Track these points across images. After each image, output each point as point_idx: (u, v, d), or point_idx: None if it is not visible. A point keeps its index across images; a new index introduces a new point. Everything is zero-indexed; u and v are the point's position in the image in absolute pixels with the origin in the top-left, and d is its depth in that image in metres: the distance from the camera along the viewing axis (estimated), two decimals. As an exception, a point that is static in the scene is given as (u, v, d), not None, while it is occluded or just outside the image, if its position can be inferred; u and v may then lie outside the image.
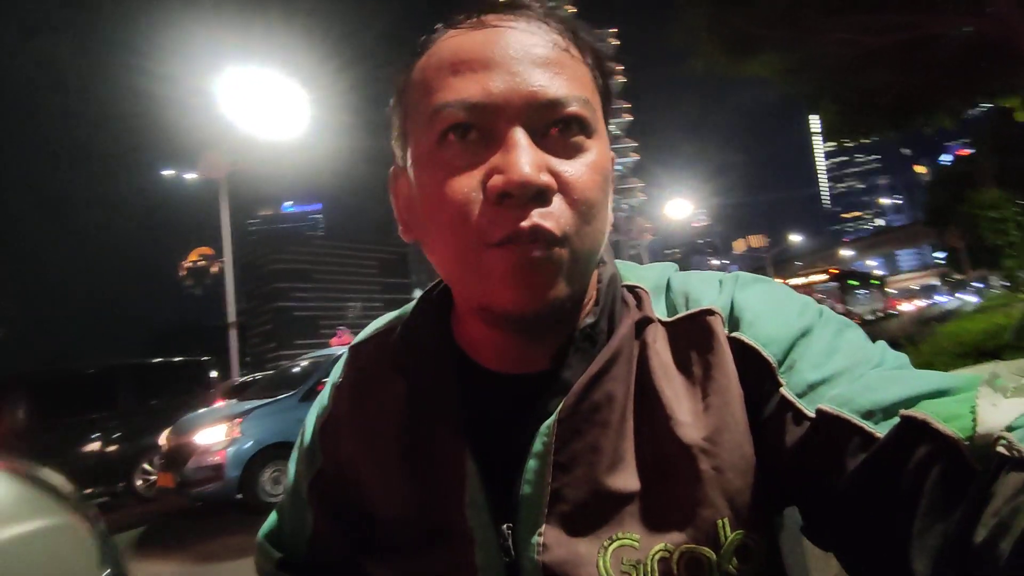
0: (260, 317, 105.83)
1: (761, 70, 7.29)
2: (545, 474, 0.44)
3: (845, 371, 0.42)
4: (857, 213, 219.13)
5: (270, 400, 6.04)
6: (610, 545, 0.43)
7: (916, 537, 0.33)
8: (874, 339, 0.48)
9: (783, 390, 0.43)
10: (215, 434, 5.66)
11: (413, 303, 0.57)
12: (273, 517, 0.62)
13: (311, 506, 0.57)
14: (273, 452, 5.72)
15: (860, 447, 0.38)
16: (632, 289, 0.52)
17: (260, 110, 12.85)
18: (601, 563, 0.43)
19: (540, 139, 0.42)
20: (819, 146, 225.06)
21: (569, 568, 0.43)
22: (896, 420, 0.37)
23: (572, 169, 0.43)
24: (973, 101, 7.52)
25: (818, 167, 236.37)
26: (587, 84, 0.45)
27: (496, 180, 0.41)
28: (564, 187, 0.42)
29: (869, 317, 18.35)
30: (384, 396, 0.53)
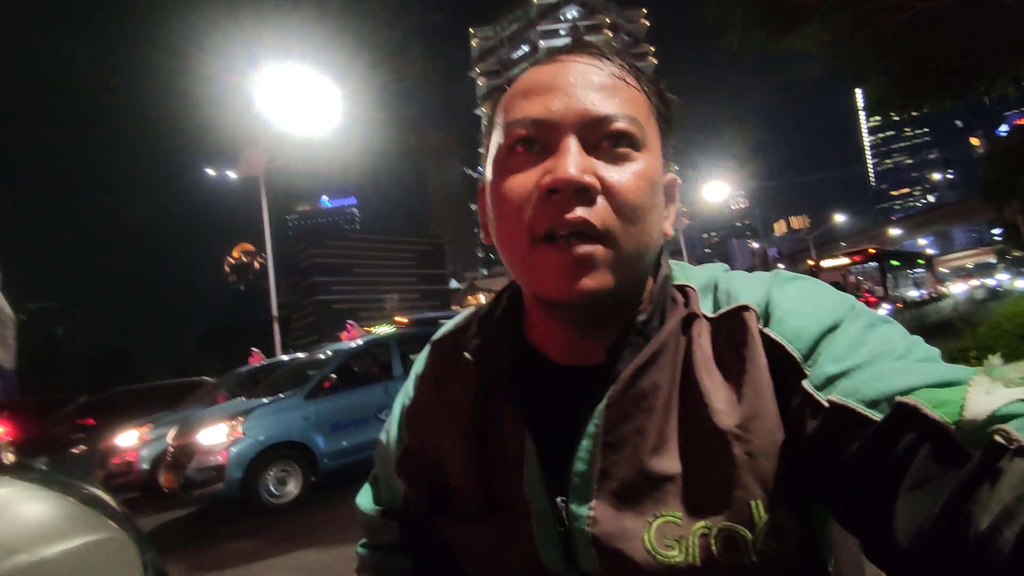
0: (302, 310, 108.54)
1: (802, 43, 6.91)
2: (596, 453, 0.49)
3: (865, 364, 0.44)
4: (906, 190, 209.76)
5: (274, 398, 5.86)
6: (654, 521, 0.47)
7: (900, 509, 0.36)
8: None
9: (805, 383, 0.45)
10: (216, 434, 5.46)
11: (490, 299, 0.63)
12: (368, 486, 0.73)
13: (400, 478, 0.66)
14: (277, 452, 5.53)
15: (862, 433, 0.40)
16: (682, 288, 0.56)
17: (295, 107, 13.08)
18: (646, 537, 0.47)
19: (592, 150, 0.49)
20: (865, 122, 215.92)
21: (616, 540, 0.47)
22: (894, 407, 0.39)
23: (617, 175, 0.48)
24: (1038, 65, 7.00)
25: (865, 143, 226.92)
26: (639, 107, 0.51)
27: (546, 178, 0.47)
28: (608, 190, 0.48)
29: (916, 299, 17.25)
30: (460, 382, 0.60)
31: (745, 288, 0.53)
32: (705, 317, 0.53)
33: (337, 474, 5.90)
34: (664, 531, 0.46)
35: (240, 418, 5.54)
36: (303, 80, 12.94)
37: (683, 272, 0.58)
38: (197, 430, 5.62)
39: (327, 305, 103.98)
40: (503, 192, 0.50)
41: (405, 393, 0.68)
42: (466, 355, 0.58)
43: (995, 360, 0.39)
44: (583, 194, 0.46)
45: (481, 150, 0.58)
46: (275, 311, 13.79)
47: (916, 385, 0.39)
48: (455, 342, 0.63)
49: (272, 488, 5.50)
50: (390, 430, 0.69)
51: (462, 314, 0.69)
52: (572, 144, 0.48)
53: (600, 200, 0.47)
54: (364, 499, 0.72)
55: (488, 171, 0.54)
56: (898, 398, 0.39)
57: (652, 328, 0.52)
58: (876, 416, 0.40)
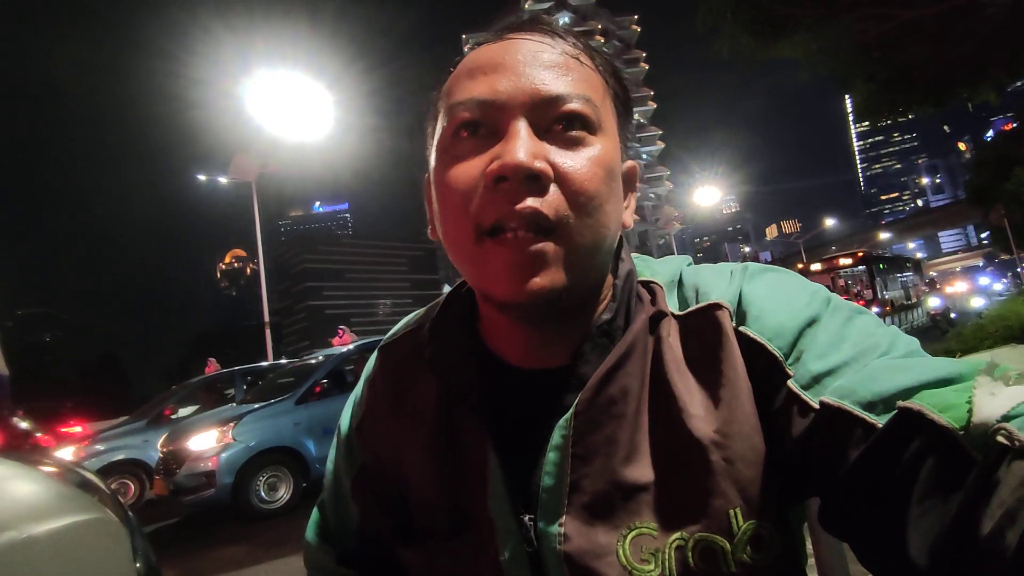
0: (294, 316, 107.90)
1: (789, 51, 7.02)
2: (564, 466, 0.46)
3: (851, 361, 0.43)
4: (895, 194, 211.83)
5: (264, 404, 5.81)
6: (629, 534, 0.44)
7: (912, 524, 0.34)
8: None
9: (790, 383, 0.44)
10: (207, 440, 5.45)
11: (440, 300, 0.58)
12: (315, 514, 0.64)
13: (355, 501, 0.59)
14: (268, 458, 5.53)
15: (862, 438, 0.38)
16: (647, 284, 0.53)
17: (287, 113, 13.08)
18: (621, 552, 0.44)
19: (543, 134, 0.45)
20: (855, 127, 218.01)
21: (590, 558, 0.44)
22: (896, 411, 0.37)
23: (571, 161, 0.44)
24: (1020, 73, 7.13)
25: (855, 148, 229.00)
26: (594, 87, 0.48)
27: (493, 165, 0.43)
28: (562, 177, 0.44)
29: (904, 303, 17.39)
30: (415, 392, 0.56)
31: (714, 283, 0.50)
32: (673, 315, 0.50)
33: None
34: (639, 544, 0.44)
35: (231, 423, 5.51)
36: (295, 85, 12.95)
37: (647, 267, 0.56)
38: (187, 436, 5.58)
39: (319, 310, 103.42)
40: (448, 182, 0.46)
41: (354, 406, 0.62)
42: (421, 361, 0.54)
43: (1001, 355, 0.37)
44: (534, 182, 0.43)
45: (427, 140, 0.53)
46: (267, 316, 13.74)
47: (914, 385, 0.38)
48: (408, 348, 0.58)
49: (263, 494, 5.46)
50: (340, 446, 0.62)
51: (412, 315, 0.63)
52: (521, 127, 0.44)
53: (553, 189, 0.43)
54: (314, 533, 0.63)
55: (432, 159, 0.50)
56: (900, 402, 0.37)
57: (617, 328, 0.50)
58: (873, 419, 0.38)
